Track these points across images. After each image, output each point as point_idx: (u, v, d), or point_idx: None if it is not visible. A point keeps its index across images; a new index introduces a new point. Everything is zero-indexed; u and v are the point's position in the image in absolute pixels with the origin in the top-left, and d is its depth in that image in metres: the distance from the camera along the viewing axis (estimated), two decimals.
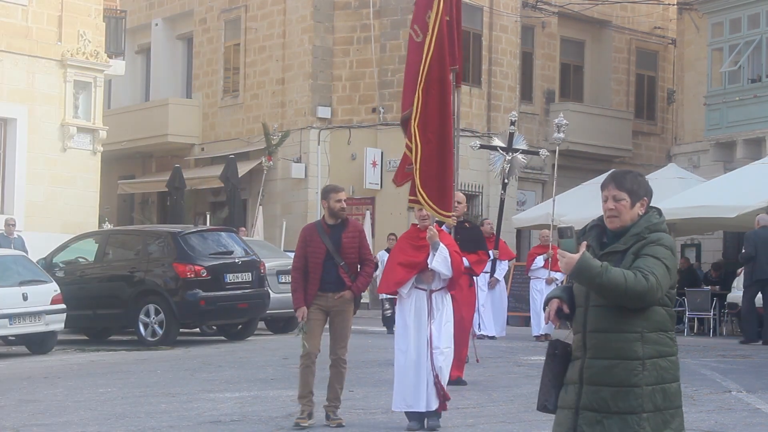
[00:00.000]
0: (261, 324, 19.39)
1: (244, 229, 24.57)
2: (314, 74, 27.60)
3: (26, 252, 18.64)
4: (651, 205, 4.76)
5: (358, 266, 9.34)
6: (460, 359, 11.06)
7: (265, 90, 28.93)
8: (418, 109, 9.25)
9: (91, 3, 24.28)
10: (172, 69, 32.69)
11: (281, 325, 19.79)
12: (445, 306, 9.01)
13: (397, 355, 9.01)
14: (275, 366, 13.69)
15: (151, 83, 33.13)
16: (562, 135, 19.60)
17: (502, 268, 18.20)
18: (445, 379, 8.82)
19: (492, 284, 17.48)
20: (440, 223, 11.19)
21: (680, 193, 21.95)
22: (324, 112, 27.44)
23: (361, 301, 9.76)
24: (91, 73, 24.05)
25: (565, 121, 19.77)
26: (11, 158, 23.08)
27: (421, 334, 8.84)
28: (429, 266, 8.84)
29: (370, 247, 10.73)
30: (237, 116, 29.81)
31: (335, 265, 9.16)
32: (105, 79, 25.14)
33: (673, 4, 30.71)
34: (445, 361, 8.84)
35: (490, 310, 17.70)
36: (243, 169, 27.03)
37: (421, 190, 9.22)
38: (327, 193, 9.39)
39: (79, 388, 11.95)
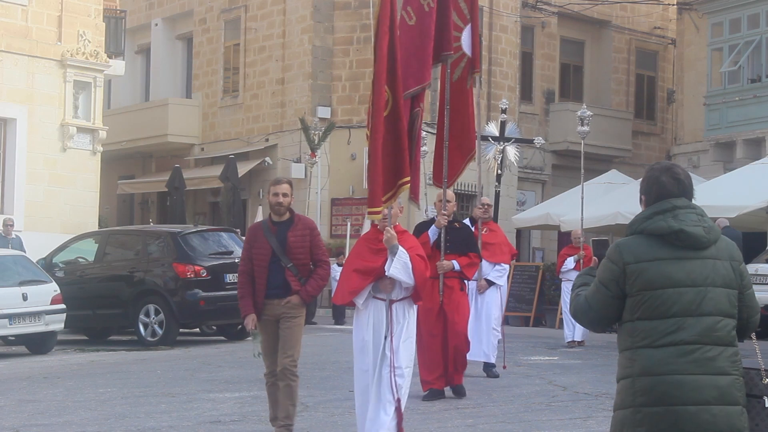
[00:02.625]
0: None
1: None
2: (314, 74, 27.60)
3: (24, 252, 18.63)
4: (658, 203, 4.39)
5: (310, 269, 8.37)
6: (462, 364, 10.63)
7: (265, 90, 28.94)
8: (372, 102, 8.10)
9: (91, 3, 24.28)
10: (172, 69, 32.70)
11: None
12: (407, 319, 7.81)
13: (356, 374, 7.85)
14: None
15: (151, 83, 33.14)
16: (586, 128, 18.84)
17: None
18: (404, 404, 7.70)
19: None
20: (427, 224, 10.71)
21: None
22: (324, 112, 27.44)
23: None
24: (91, 73, 24.05)
25: (588, 112, 19.11)
26: (11, 158, 23.08)
27: (379, 350, 7.68)
28: (386, 273, 7.67)
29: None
30: (237, 116, 29.82)
31: (281, 268, 8.22)
32: (105, 79, 25.14)
33: (673, 4, 30.73)
34: (403, 382, 7.68)
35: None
36: (243, 169, 27.03)
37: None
38: (269, 186, 8.51)
39: (79, 388, 11.95)
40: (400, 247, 7.69)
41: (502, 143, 19.30)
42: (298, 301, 8.27)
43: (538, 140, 20.84)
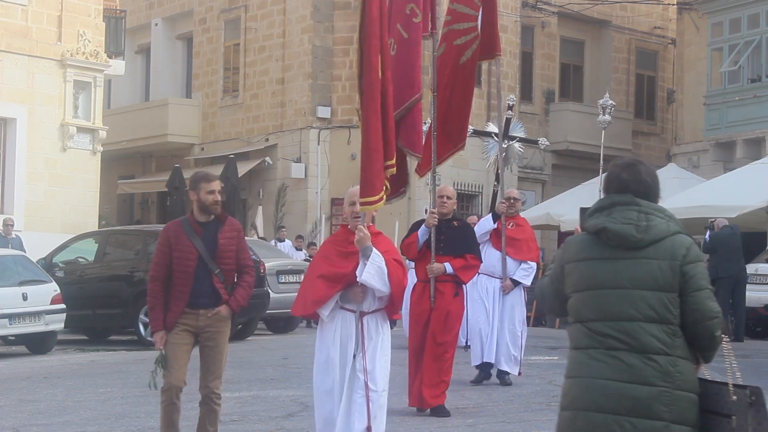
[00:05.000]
0: (261, 324, 19.39)
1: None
2: (314, 74, 27.60)
3: (24, 252, 18.64)
4: (605, 197, 4.26)
5: (235, 276, 7.48)
6: (443, 382, 9.57)
7: (265, 90, 28.93)
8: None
9: (91, 3, 24.28)
10: (171, 69, 32.70)
11: (281, 325, 19.82)
12: (380, 334, 6.73)
13: (318, 398, 6.72)
14: (275, 366, 13.69)
15: (151, 83, 33.14)
16: (608, 117, 18.44)
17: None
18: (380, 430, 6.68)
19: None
20: (415, 225, 9.91)
21: (680, 193, 21.97)
22: (324, 112, 27.44)
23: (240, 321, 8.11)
24: (91, 73, 24.05)
25: (611, 101, 18.69)
26: (11, 158, 23.08)
27: (347, 370, 6.60)
28: (357, 279, 6.59)
29: None
30: (237, 116, 29.82)
31: (209, 274, 7.27)
32: (105, 79, 25.14)
33: (673, 4, 30.73)
34: (379, 408, 6.63)
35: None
36: (243, 169, 27.03)
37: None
38: (196, 182, 7.42)
39: (79, 388, 11.95)
40: (375, 250, 6.61)
41: (506, 141, 18.74)
42: (227, 313, 7.34)
43: (543, 141, 20.36)
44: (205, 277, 7.27)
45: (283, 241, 24.81)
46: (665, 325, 3.97)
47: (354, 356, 6.61)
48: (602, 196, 4.27)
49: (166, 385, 7.27)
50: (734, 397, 3.98)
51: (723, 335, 4.08)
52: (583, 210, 4.90)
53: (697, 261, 4.07)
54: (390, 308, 6.80)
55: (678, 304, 4.00)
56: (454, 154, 10.56)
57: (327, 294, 6.64)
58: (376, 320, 6.74)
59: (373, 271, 6.55)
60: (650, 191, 4.19)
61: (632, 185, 4.17)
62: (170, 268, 7.26)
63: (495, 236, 11.37)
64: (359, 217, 6.81)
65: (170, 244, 7.31)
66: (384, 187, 7.01)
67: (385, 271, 6.59)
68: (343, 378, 6.59)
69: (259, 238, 24.72)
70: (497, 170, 18.56)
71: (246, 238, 22.08)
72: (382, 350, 6.72)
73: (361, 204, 6.81)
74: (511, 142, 18.58)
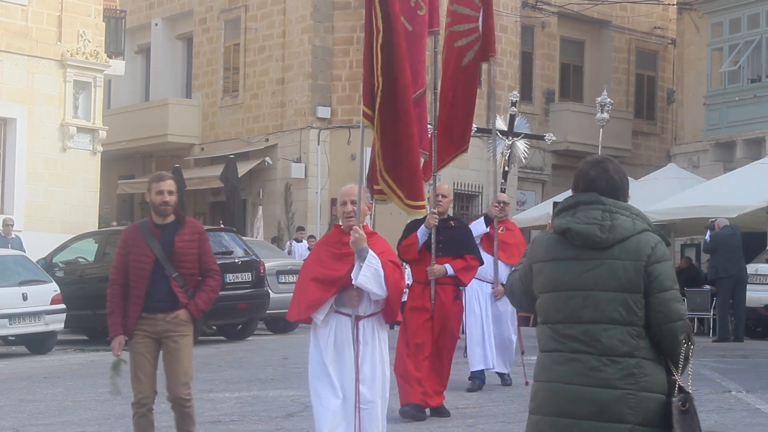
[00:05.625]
0: (261, 324, 19.40)
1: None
2: (314, 74, 27.59)
3: (24, 252, 18.64)
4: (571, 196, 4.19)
5: (197, 280, 7.25)
6: (441, 384, 9.50)
7: (265, 90, 28.93)
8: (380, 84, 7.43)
9: (91, 3, 24.29)
10: (171, 69, 32.70)
11: (281, 325, 19.81)
12: (376, 339, 6.46)
13: (315, 406, 6.45)
14: (275, 366, 13.69)
15: (151, 83, 33.14)
16: (606, 115, 18.16)
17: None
18: None
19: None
20: (418, 222, 9.48)
21: (680, 193, 21.97)
22: (324, 112, 27.44)
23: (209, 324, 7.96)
24: (91, 73, 24.06)
25: (609, 99, 18.39)
26: (11, 158, 23.09)
27: (344, 376, 6.37)
28: (353, 282, 6.36)
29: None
30: (237, 116, 29.82)
31: (166, 278, 7.06)
32: (105, 79, 25.15)
33: (673, 4, 30.73)
34: (371, 421, 6.36)
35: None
36: (243, 169, 27.03)
37: (386, 174, 7.39)
38: (149, 183, 7.21)
39: (79, 388, 11.95)
40: (371, 252, 6.35)
41: (510, 138, 18.32)
42: (187, 317, 7.12)
43: (549, 136, 19.88)
44: (162, 280, 7.05)
45: (301, 242, 24.66)
46: (630, 327, 3.89)
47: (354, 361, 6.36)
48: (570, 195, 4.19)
49: (135, 399, 7.10)
50: (675, 400, 3.88)
51: (688, 341, 3.95)
52: (555, 204, 4.78)
53: (662, 261, 3.96)
54: (387, 312, 6.54)
55: (643, 305, 3.90)
56: (457, 157, 10.35)
57: (321, 298, 6.41)
58: (372, 325, 6.49)
59: (369, 274, 6.30)
60: (618, 189, 4.09)
61: (600, 183, 4.07)
62: (128, 272, 7.07)
63: (486, 240, 11.09)
64: (352, 217, 6.55)
65: (127, 248, 7.13)
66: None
67: (382, 273, 6.33)
68: (341, 385, 6.35)
69: (256, 238, 24.69)
70: (504, 168, 18.27)
71: (246, 238, 22.14)
72: (379, 356, 6.45)
73: (412, 207, 6.99)
74: (515, 140, 18.22)
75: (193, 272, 7.16)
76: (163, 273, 7.05)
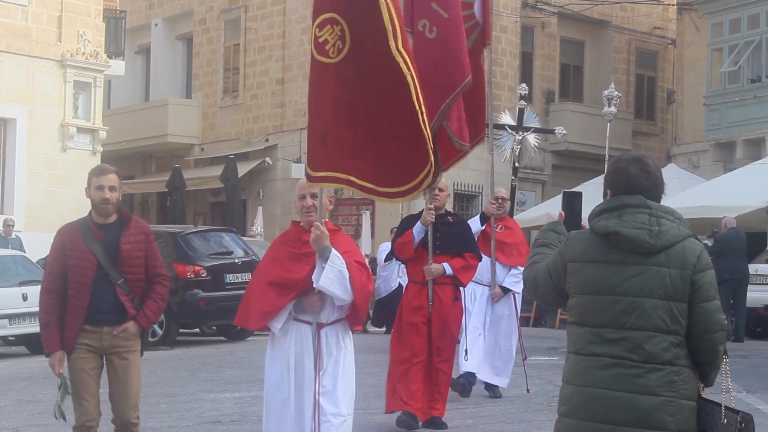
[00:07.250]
0: None
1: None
2: None
3: (24, 252, 18.64)
4: (610, 198, 4.12)
5: (143, 286, 6.41)
6: (440, 393, 8.91)
7: (265, 90, 28.95)
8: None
9: (91, 3, 24.30)
10: (171, 69, 32.72)
11: None
12: (341, 350, 5.72)
13: (267, 423, 5.76)
14: None
15: (151, 83, 33.17)
16: (613, 109, 17.80)
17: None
18: None
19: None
20: (414, 218, 8.90)
21: (680, 193, 21.97)
22: None
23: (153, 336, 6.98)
24: (91, 74, 24.07)
25: (616, 93, 18.05)
26: (11, 158, 23.10)
27: (303, 391, 5.61)
28: (314, 285, 5.56)
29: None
30: (237, 116, 29.83)
31: (111, 285, 6.23)
32: (105, 80, 25.16)
33: (673, 5, 30.73)
34: None
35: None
36: (243, 169, 27.04)
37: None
38: (89, 177, 6.36)
39: None
40: (334, 251, 5.53)
41: (521, 132, 17.84)
42: (136, 330, 6.30)
43: (560, 130, 19.35)
44: (107, 288, 6.23)
45: None
46: (673, 335, 3.88)
47: (314, 374, 5.60)
48: (608, 193, 4.12)
49: (78, 422, 6.31)
50: (724, 420, 3.90)
51: (725, 353, 3.97)
52: (566, 194, 4.71)
53: (707, 269, 3.99)
54: (352, 318, 5.77)
55: (686, 315, 3.90)
56: (477, 145, 9.21)
57: (278, 304, 5.63)
58: (336, 333, 5.72)
59: (332, 276, 5.49)
60: (659, 187, 4.09)
61: (642, 181, 4.04)
62: (66, 279, 6.22)
63: (483, 239, 10.24)
64: (312, 212, 5.75)
65: (64, 251, 6.24)
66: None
67: (347, 275, 5.53)
68: (300, 401, 5.61)
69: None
70: (514, 164, 17.86)
71: (246, 238, 22.12)
72: (345, 368, 5.70)
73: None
74: (525, 134, 17.84)
75: (139, 278, 6.33)
76: (107, 279, 6.23)
